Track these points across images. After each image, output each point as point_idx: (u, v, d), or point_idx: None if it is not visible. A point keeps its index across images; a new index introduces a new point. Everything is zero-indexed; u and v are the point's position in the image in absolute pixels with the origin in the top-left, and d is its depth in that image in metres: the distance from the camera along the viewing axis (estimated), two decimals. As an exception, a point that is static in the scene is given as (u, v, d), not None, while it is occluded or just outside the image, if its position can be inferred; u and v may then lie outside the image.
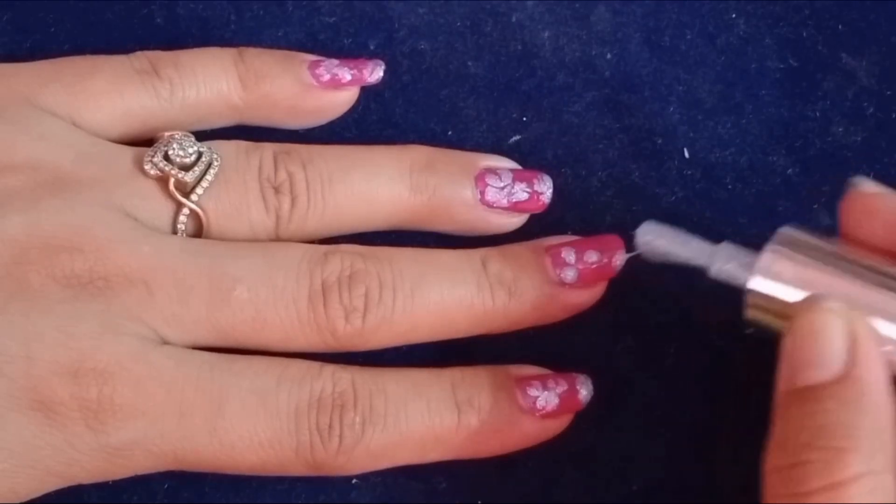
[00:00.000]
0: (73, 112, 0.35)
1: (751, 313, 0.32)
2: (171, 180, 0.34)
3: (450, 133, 0.39)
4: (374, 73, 0.38)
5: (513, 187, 0.36)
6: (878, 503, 0.28)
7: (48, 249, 0.32)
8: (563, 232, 0.36)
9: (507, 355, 0.35)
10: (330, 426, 0.33)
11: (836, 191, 0.36)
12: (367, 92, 0.39)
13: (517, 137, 0.39)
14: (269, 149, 0.36)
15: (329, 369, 0.34)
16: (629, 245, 0.35)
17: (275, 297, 0.33)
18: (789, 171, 0.38)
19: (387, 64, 0.38)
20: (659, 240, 0.33)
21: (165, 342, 0.33)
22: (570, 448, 0.35)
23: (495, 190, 0.36)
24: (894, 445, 0.29)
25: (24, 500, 0.32)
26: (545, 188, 0.37)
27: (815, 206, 0.38)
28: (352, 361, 0.34)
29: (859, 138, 0.39)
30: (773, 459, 0.29)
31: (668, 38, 0.40)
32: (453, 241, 0.37)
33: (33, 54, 0.38)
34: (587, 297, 0.35)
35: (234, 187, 0.35)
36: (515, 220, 0.37)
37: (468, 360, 0.35)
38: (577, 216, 0.37)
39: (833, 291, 0.31)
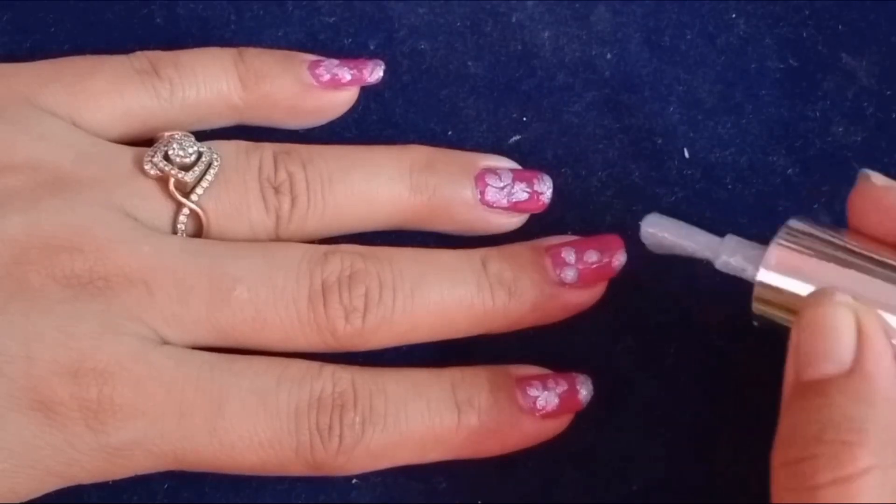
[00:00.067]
0: (73, 112, 0.36)
1: (757, 307, 0.32)
2: (171, 180, 0.34)
3: (450, 133, 0.39)
4: (374, 73, 0.38)
5: (513, 187, 0.36)
6: (887, 498, 0.28)
7: (48, 249, 0.32)
8: (563, 232, 0.36)
9: (507, 355, 0.35)
10: (330, 426, 0.33)
11: (836, 191, 0.36)
12: (367, 92, 0.39)
13: (517, 137, 0.39)
14: (269, 149, 0.36)
15: (329, 369, 0.34)
16: (629, 245, 0.35)
17: (275, 297, 0.33)
18: (789, 171, 0.38)
19: (387, 64, 0.38)
20: (663, 232, 0.33)
21: (165, 342, 0.33)
22: (570, 448, 0.35)
23: (495, 190, 0.36)
24: None
25: (24, 500, 0.32)
26: (545, 188, 0.37)
27: (815, 206, 0.38)
28: (352, 361, 0.34)
29: (859, 138, 0.39)
30: (781, 454, 0.29)
31: (668, 38, 0.40)
32: (453, 241, 0.37)
33: (33, 54, 0.38)
34: (587, 297, 0.35)
35: (234, 187, 0.35)
36: (515, 220, 0.37)
37: (468, 360, 0.35)
38: (577, 216, 0.37)
39: (841, 284, 0.30)
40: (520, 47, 0.40)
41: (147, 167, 0.35)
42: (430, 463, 0.34)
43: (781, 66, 0.39)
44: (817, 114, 0.39)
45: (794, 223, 0.32)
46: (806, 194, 0.38)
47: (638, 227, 0.34)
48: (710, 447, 0.35)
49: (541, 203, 0.37)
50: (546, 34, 0.40)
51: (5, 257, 0.32)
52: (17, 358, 0.31)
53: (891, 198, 0.32)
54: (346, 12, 0.40)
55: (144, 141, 0.36)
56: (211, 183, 0.35)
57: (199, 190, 0.34)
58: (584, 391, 0.35)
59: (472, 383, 0.34)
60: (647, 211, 0.34)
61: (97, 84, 0.36)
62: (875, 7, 0.40)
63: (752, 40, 0.40)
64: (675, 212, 0.34)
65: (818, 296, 0.30)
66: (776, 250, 0.31)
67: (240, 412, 0.32)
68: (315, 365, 0.34)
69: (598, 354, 0.36)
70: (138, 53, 0.37)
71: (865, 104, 0.39)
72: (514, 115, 0.39)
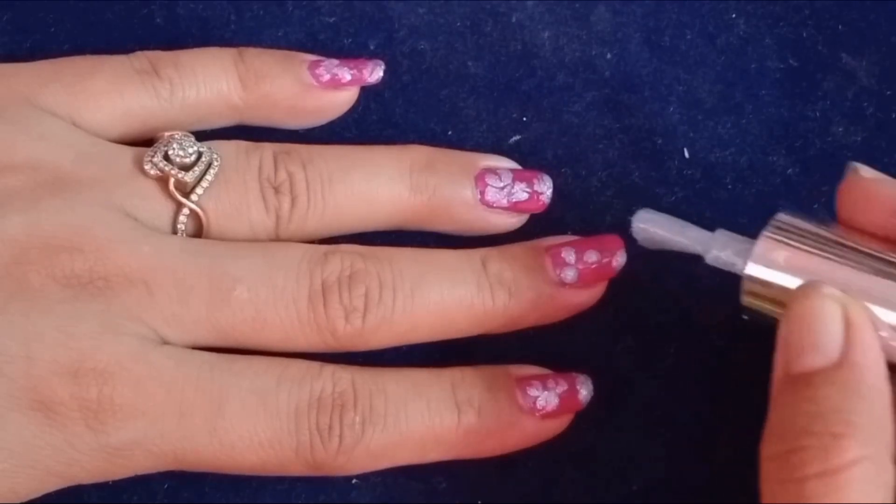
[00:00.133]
0: (73, 112, 0.36)
1: (746, 300, 0.32)
2: (171, 180, 0.34)
3: (450, 133, 0.39)
4: (374, 73, 0.38)
5: (513, 187, 0.36)
6: (875, 489, 0.28)
7: (48, 249, 0.32)
8: (563, 232, 0.36)
9: (507, 355, 0.35)
10: (330, 426, 0.33)
11: (835, 191, 0.36)
12: (367, 92, 0.39)
13: (517, 137, 0.39)
14: (269, 149, 0.36)
15: (329, 369, 0.34)
16: (629, 245, 0.35)
17: (275, 297, 0.33)
18: (789, 171, 0.38)
19: (387, 64, 0.38)
20: (654, 228, 0.33)
21: (165, 342, 0.33)
22: (570, 448, 0.35)
23: (495, 190, 0.36)
24: (892, 431, 0.29)
25: (24, 500, 0.32)
26: (545, 188, 0.37)
27: (815, 206, 0.38)
28: (352, 361, 0.34)
29: (859, 138, 0.39)
30: (770, 446, 0.29)
31: (668, 38, 0.40)
32: (453, 241, 0.37)
33: (33, 54, 0.38)
34: (587, 297, 0.35)
35: (234, 187, 0.35)
36: (515, 220, 0.37)
37: (468, 360, 0.35)
38: (577, 216, 0.37)
39: (829, 277, 0.31)
40: (520, 47, 0.40)
41: (147, 167, 0.35)
42: (430, 463, 0.34)
43: (781, 66, 0.39)
44: (817, 114, 0.39)
45: (781, 217, 0.32)
46: (806, 194, 0.38)
47: (634, 215, 0.34)
48: (710, 447, 0.35)
49: (541, 203, 0.37)
50: (546, 34, 0.40)
51: (5, 257, 0.32)
52: (17, 358, 0.31)
53: (879, 190, 0.32)
54: (346, 12, 0.40)
55: (144, 141, 0.36)
56: (211, 183, 0.35)
57: (199, 190, 0.34)
58: (584, 391, 0.35)
59: (472, 383, 0.34)
60: (647, 211, 0.34)
61: (97, 84, 0.36)
62: (875, 7, 0.40)
63: (752, 40, 0.40)
64: (675, 212, 0.34)
65: (806, 289, 0.30)
66: (764, 243, 0.32)
67: (240, 412, 0.32)
68: (315, 365, 0.34)
69: (598, 354, 0.36)
70: (138, 53, 0.37)
71: (865, 104, 0.39)
72: (514, 115, 0.39)
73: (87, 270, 0.32)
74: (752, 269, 0.31)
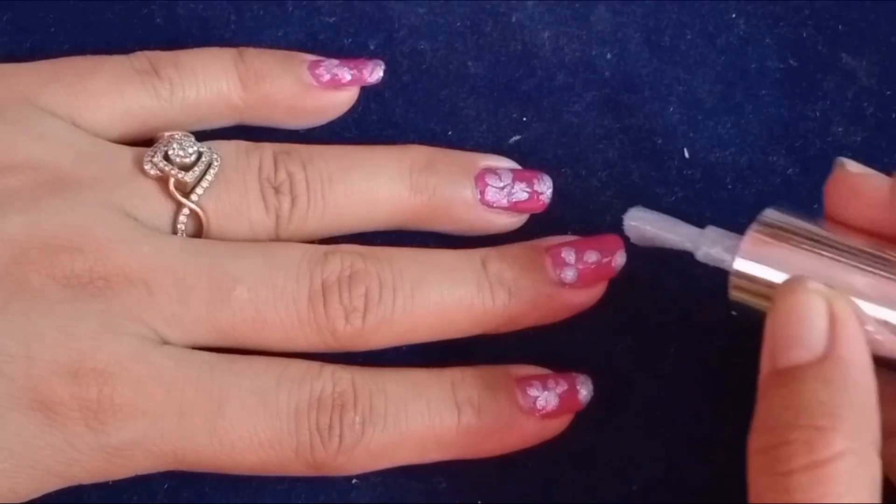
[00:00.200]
0: (73, 112, 0.35)
1: (734, 295, 0.32)
2: (171, 180, 0.34)
3: (450, 133, 0.39)
4: (374, 73, 0.38)
5: (513, 187, 0.36)
6: (861, 482, 0.28)
7: (48, 249, 0.32)
8: (563, 232, 0.36)
9: (507, 355, 0.35)
10: (330, 426, 0.33)
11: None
12: (367, 92, 0.39)
13: (517, 137, 0.39)
14: (269, 149, 0.36)
15: (329, 369, 0.34)
16: (629, 245, 0.35)
17: (275, 297, 0.33)
18: (789, 171, 0.38)
19: (387, 64, 0.38)
20: (646, 225, 0.34)
21: (165, 342, 0.33)
22: (570, 448, 0.35)
23: (495, 190, 0.36)
24: (877, 424, 0.29)
25: (24, 500, 0.32)
26: (545, 188, 0.37)
27: (815, 206, 0.38)
28: (352, 361, 0.34)
29: (859, 138, 0.39)
30: (757, 441, 0.29)
31: (668, 38, 0.40)
32: (453, 241, 0.37)
33: (33, 54, 0.38)
34: (587, 297, 0.35)
35: (234, 187, 0.35)
36: (515, 220, 0.37)
37: (468, 360, 0.35)
38: (577, 216, 0.37)
39: (816, 272, 0.31)
40: (520, 47, 0.40)
41: (147, 167, 0.35)
42: (430, 463, 0.34)
43: (781, 66, 0.39)
44: (817, 114, 0.39)
45: (769, 213, 0.32)
46: (806, 194, 0.38)
47: (626, 213, 0.34)
48: (710, 447, 0.35)
49: (541, 203, 0.37)
50: (546, 34, 0.40)
51: (5, 257, 0.32)
52: (17, 358, 0.31)
53: (865, 184, 0.32)
54: (346, 12, 0.40)
55: (144, 141, 0.36)
56: (211, 183, 0.35)
57: (199, 190, 0.34)
58: (584, 391, 0.35)
59: (472, 383, 0.34)
60: (647, 211, 0.34)
61: (97, 84, 0.36)
62: (875, 7, 0.40)
63: (752, 40, 0.40)
64: (675, 212, 0.34)
65: (791, 283, 0.30)
66: (751, 239, 0.32)
67: (240, 412, 0.32)
68: (315, 365, 0.34)
69: (598, 354, 0.36)
70: (138, 53, 0.37)
71: (865, 104, 0.39)
72: (514, 115, 0.39)
73: (87, 270, 0.32)
74: (739, 265, 0.32)
